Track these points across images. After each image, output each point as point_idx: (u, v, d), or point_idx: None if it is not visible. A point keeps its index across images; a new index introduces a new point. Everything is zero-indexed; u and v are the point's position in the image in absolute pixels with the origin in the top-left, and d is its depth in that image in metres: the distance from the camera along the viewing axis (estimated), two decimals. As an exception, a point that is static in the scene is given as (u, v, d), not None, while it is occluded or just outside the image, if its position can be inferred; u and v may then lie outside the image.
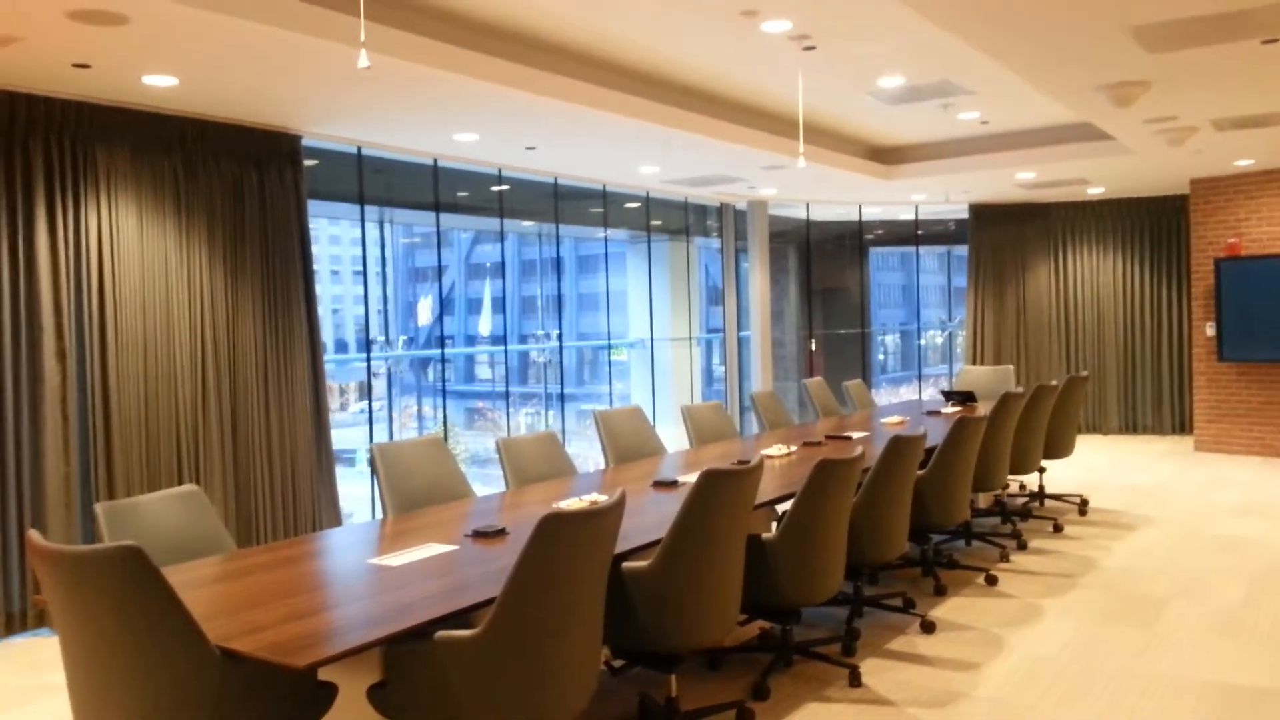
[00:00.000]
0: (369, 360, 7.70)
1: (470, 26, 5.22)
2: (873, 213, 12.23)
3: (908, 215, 12.29)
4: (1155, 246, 11.31)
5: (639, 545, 3.45)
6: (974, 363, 11.73)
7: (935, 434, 5.97)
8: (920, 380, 13.52)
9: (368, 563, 3.27)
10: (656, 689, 4.05)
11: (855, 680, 4.10)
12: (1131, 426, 11.46)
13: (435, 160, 7.66)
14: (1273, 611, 4.91)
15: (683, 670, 4.26)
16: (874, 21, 5.23)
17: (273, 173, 6.11)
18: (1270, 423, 9.71)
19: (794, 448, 5.68)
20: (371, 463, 4.32)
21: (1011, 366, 9.25)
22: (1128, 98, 5.96)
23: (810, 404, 7.67)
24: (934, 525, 5.12)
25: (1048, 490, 8.14)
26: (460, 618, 2.71)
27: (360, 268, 8.04)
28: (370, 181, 7.24)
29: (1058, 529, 6.78)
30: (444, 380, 9.09)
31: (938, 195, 10.74)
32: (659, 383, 10.86)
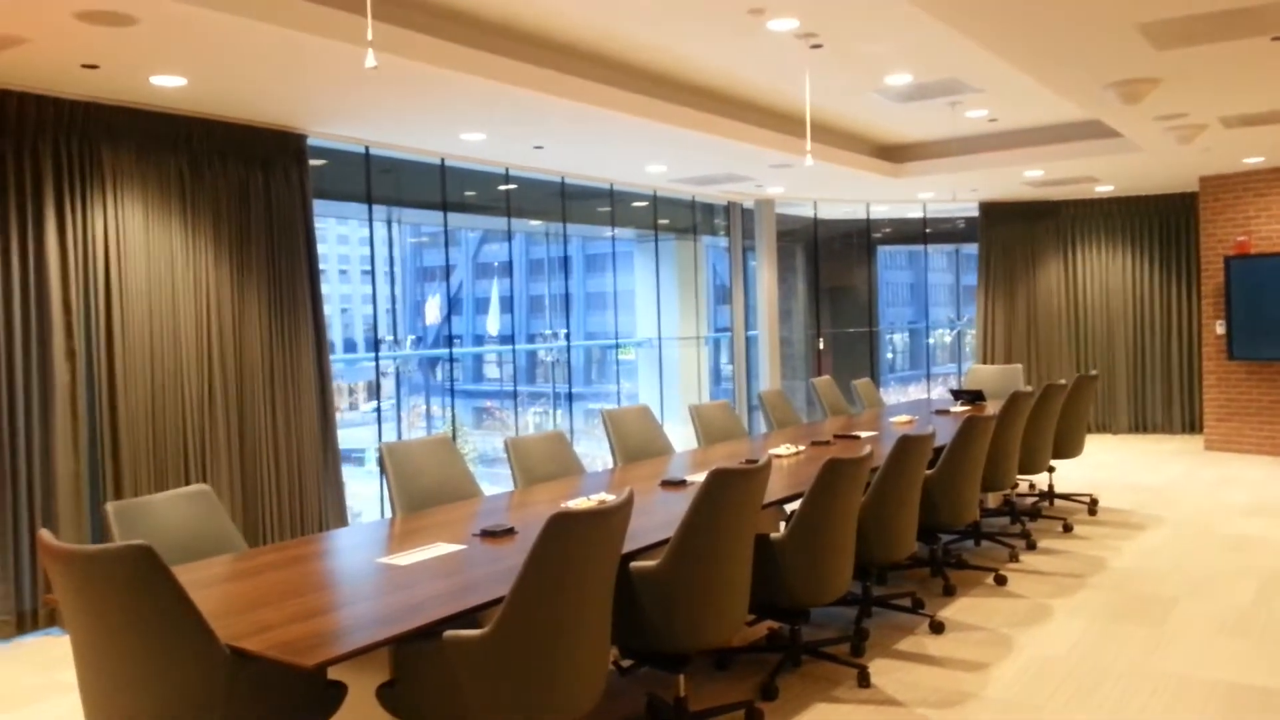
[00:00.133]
0: (377, 360, 7.71)
1: (477, 26, 5.23)
2: (880, 211, 12.21)
3: (916, 213, 12.26)
4: (1164, 244, 11.27)
5: (647, 545, 3.45)
6: (984, 361, 11.71)
7: (944, 433, 5.96)
8: (929, 379, 13.50)
9: (376, 562, 3.27)
10: (665, 689, 4.05)
11: (864, 680, 4.09)
12: (1141, 425, 11.42)
13: (443, 160, 7.67)
14: (1283, 611, 4.89)
15: (691, 670, 4.26)
16: (881, 19, 5.22)
17: (278, 172, 6.12)
18: (1281, 421, 9.67)
19: (802, 447, 5.67)
20: (380, 462, 4.32)
21: (1020, 365, 9.23)
22: (1136, 95, 5.94)
23: (818, 403, 7.67)
24: (943, 525, 5.11)
25: (1057, 490, 8.12)
26: (469, 617, 2.71)
27: (369, 267, 8.05)
28: (378, 181, 7.25)
29: (1067, 529, 6.76)
30: (452, 380, 9.10)
31: (945, 193, 10.71)
32: (667, 382, 10.86)
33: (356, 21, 4.46)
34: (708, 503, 3.25)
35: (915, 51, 5.90)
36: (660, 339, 10.79)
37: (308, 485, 6.23)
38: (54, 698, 4.28)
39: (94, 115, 5.25)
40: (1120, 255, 11.46)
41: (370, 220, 7.32)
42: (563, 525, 2.61)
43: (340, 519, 6.47)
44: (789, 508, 4.51)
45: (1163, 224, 11.28)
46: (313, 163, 6.83)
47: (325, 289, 6.59)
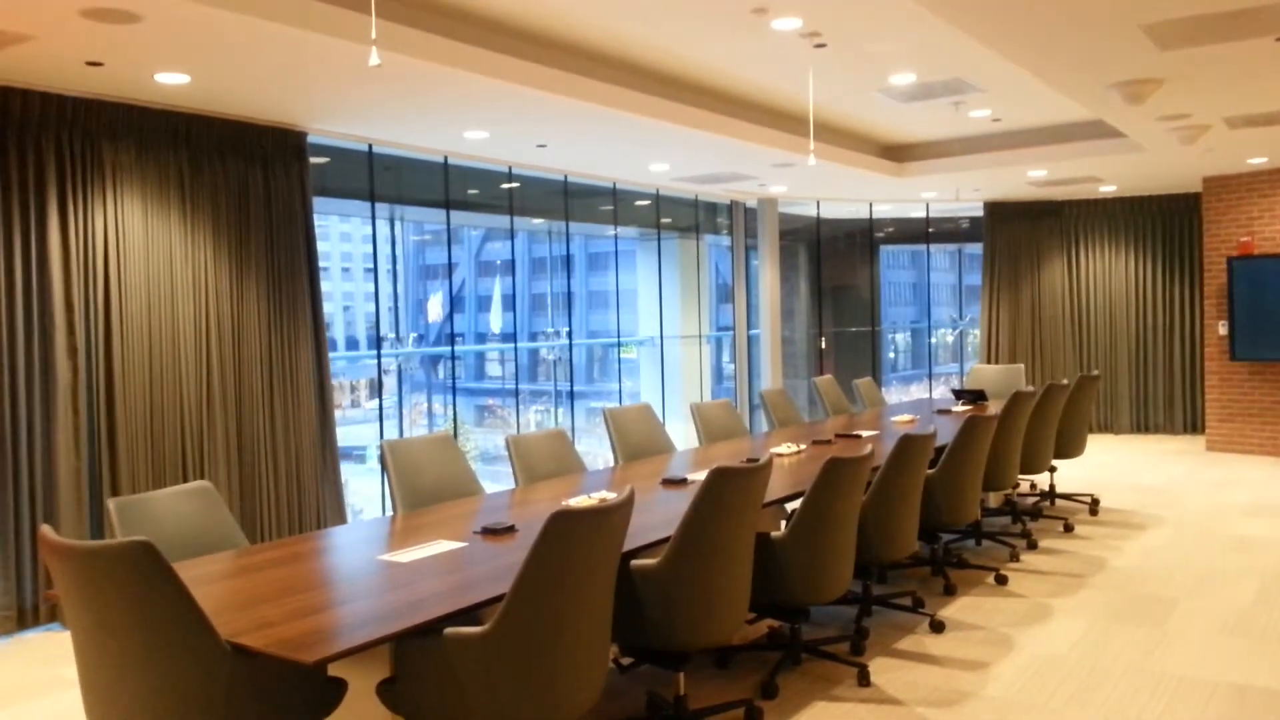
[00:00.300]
0: (379, 357, 7.72)
1: (481, 24, 5.23)
2: (883, 210, 12.21)
3: (918, 213, 12.26)
4: (1167, 245, 11.26)
5: (648, 543, 3.45)
6: (988, 361, 11.71)
7: (945, 433, 5.96)
8: (931, 378, 13.50)
9: (377, 559, 3.28)
10: (665, 687, 4.05)
11: (864, 679, 4.09)
12: (1143, 426, 11.41)
13: (446, 158, 7.67)
14: (1284, 612, 4.89)
15: (691, 668, 4.26)
16: (885, 19, 5.22)
17: (278, 169, 6.12)
18: (1283, 422, 9.66)
19: (803, 446, 5.68)
20: (382, 459, 4.33)
21: (1022, 365, 9.22)
22: (1140, 95, 5.93)
23: (820, 402, 7.67)
24: (944, 524, 5.11)
25: (1058, 490, 8.12)
26: (469, 614, 2.72)
27: (371, 265, 8.06)
28: (381, 179, 7.26)
29: (1068, 529, 6.76)
30: (454, 377, 9.11)
31: (948, 193, 10.71)
32: (668, 380, 10.86)
33: (361, 20, 4.47)
34: (708, 501, 3.26)
35: (919, 51, 5.89)
36: (662, 338, 10.79)
37: (306, 483, 6.24)
38: (55, 693, 4.29)
39: (95, 112, 5.26)
40: (1123, 255, 11.45)
41: (373, 218, 7.33)
42: (563, 523, 2.61)
43: (339, 516, 6.48)
44: (790, 506, 4.52)
45: (1166, 224, 11.27)
46: (316, 160, 6.84)
47: (328, 286, 6.60)
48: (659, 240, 10.54)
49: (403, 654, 2.73)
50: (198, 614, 2.40)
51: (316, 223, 6.48)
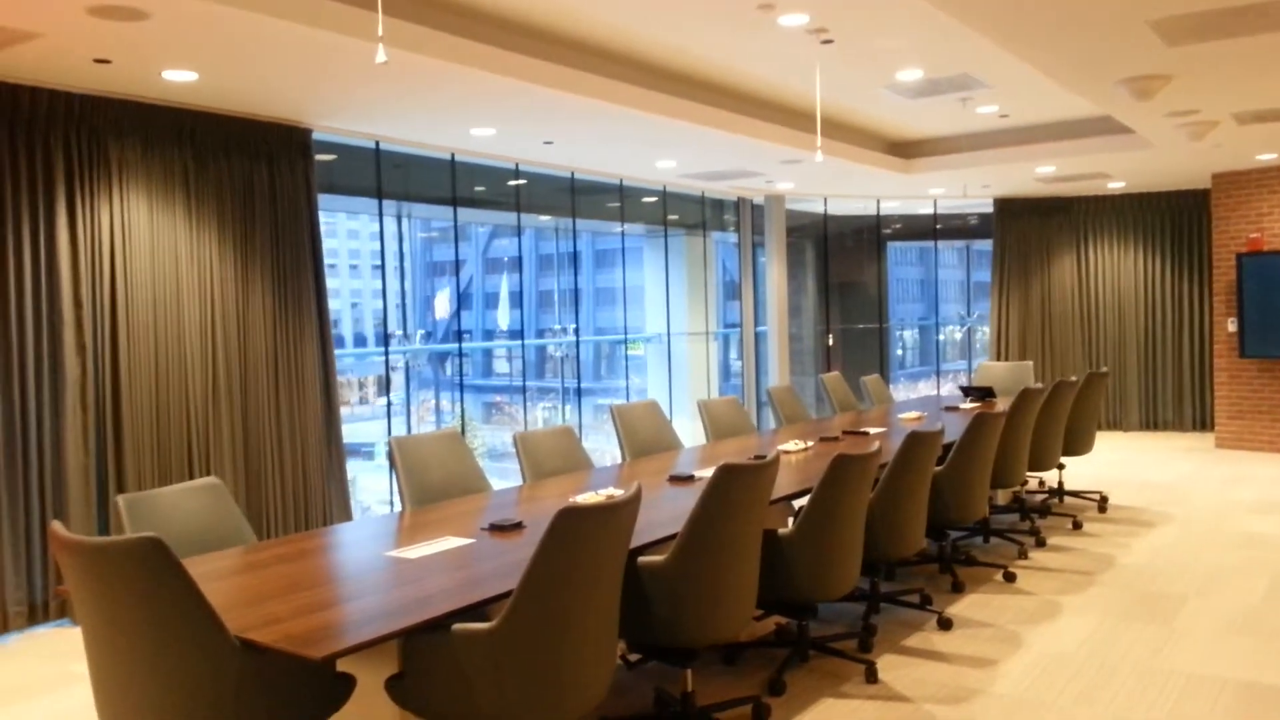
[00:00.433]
0: (387, 354, 7.73)
1: (488, 21, 5.23)
2: (891, 207, 12.18)
3: (926, 209, 12.23)
4: (1176, 241, 11.22)
5: (655, 540, 3.46)
6: (998, 358, 11.69)
7: (953, 430, 5.95)
8: (939, 376, 13.48)
9: (385, 555, 3.28)
10: (672, 683, 4.06)
11: (872, 676, 4.09)
12: (1152, 423, 11.38)
13: (453, 155, 7.68)
14: (1294, 609, 4.88)
15: (698, 665, 4.27)
16: (892, 15, 5.21)
17: (283, 166, 6.13)
18: (1292, 419, 9.63)
19: (811, 443, 5.67)
20: (390, 456, 4.34)
21: (1030, 362, 9.20)
22: (1148, 91, 5.91)
23: (827, 399, 7.66)
24: (952, 522, 5.11)
25: (1067, 487, 8.10)
26: (477, 610, 2.72)
27: (379, 262, 8.08)
28: (388, 176, 7.27)
29: (1077, 526, 6.75)
30: (461, 374, 9.12)
31: (956, 189, 10.69)
32: (676, 377, 10.86)
33: (368, 17, 4.47)
34: (716, 498, 3.26)
35: (926, 47, 5.88)
36: (669, 334, 10.79)
37: (312, 479, 6.25)
38: (66, 688, 4.31)
39: (101, 109, 5.27)
40: (1132, 252, 11.42)
41: (380, 215, 7.34)
42: (571, 520, 2.62)
43: (344, 513, 6.49)
44: (797, 503, 4.52)
45: (1175, 221, 11.23)
46: (323, 157, 6.85)
47: (336, 284, 6.62)
48: (666, 237, 10.54)
49: (411, 650, 2.73)
50: (207, 609, 2.41)
51: (324, 220, 6.49)
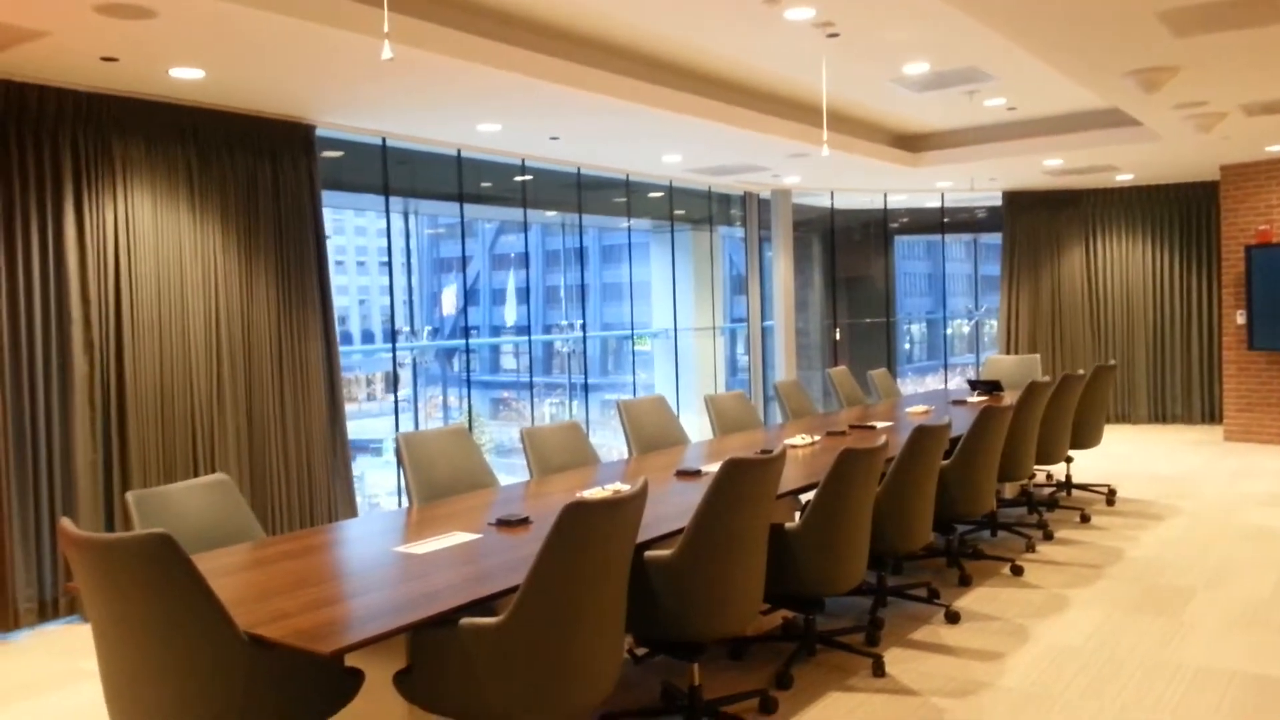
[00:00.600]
0: (394, 350, 7.75)
1: (493, 17, 5.23)
2: (898, 200, 12.16)
3: (933, 203, 12.21)
4: (1185, 233, 11.18)
5: (662, 534, 3.46)
6: (1008, 351, 11.67)
7: (960, 423, 5.94)
8: (946, 369, 13.45)
9: (393, 551, 3.29)
10: (679, 678, 4.06)
11: (879, 670, 4.10)
12: (1161, 416, 11.35)
13: (459, 151, 7.69)
14: (1303, 602, 4.86)
15: (705, 659, 4.27)
16: (898, 8, 5.19)
17: (286, 163, 6.14)
18: (1302, 412, 9.60)
19: (818, 437, 5.67)
20: (397, 452, 4.35)
21: (1038, 356, 9.18)
22: (1156, 83, 5.89)
23: (835, 393, 7.66)
24: (959, 515, 5.10)
25: (1075, 480, 8.09)
26: (484, 605, 2.73)
27: (386, 259, 8.09)
28: (395, 172, 7.28)
29: (1085, 519, 6.74)
30: (468, 370, 9.13)
31: (963, 183, 10.66)
32: (683, 372, 10.87)
33: (375, 13, 4.48)
34: (722, 492, 3.26)
35: (933, 40, 5.86)
36: (676, 329, 10.79)
37: (317, 476, 6.26)
38: (76, 685, 4.34)
39: (106, 107, 5.29)
40: (1141, 245, 11.38)
41: (387, 211, 7.35)
42: (577, 514, 2.62)
43: (350, 509, 6.50)
44: (804, 498, 4.52)
45: (1183, 213, 11.19)
46: (330, 154, 6.86)
47: (344, 280, 6.64)
48: (672, 232, 10.54)
49: (419, 644, 2.74)
50: (216, 605, 2.42)
51: (332, 217, 6.51)
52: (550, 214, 9.81)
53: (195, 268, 5.71)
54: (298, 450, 6.18)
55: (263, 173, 6.03)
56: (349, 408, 6.60)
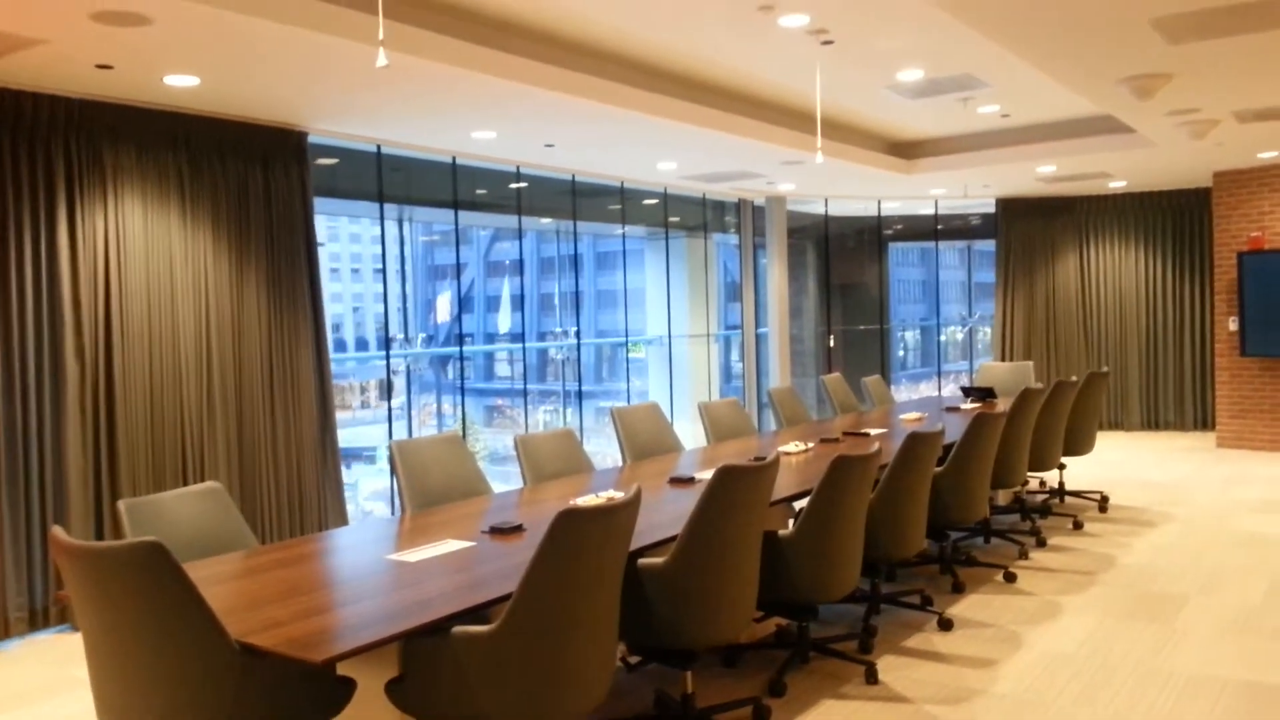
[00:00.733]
0: (388, 358, 7.74)
1: (488, 24, 5.24)
2: (892, 208, 12.19)
3: (927, 210, 12.23)
4: (1178, 240, 11.22)
5: (655, 541, 3.46)
6: (1003, 358, 11.69)
7: (954, 430, 5.95)
8: (940, 376, 13.47)
9: (386, 558, 3.29)
10: (672, 685, 4.06)
11: (872, 677, 4.09)
12: (1153, 423, 11.37)
13: (454, 158, 7.69)
14: (1295, 609, 4.87)
15: (699, 667, 4.27)
16: (892, 15, 5.21)
17: (278, 170, 6.13)
18: (1294, 418, 9.62)
19: (811, 444, 5.68)
20: (391, 460, 4.35)
21: (1031, 363, 9.20)
22: (1149, 90, 5.91)
23: (828, 400, 7.66)
24: (952, 522, 5.11)
25: (1068, 487, 8.10)
26: (477, 613, 2.73)
27: (380, 266, 8.08)
28: (389, 180, 7.28)
29: (1078, 526, 6.75)
30: (463, 378, 9.13)
31: (957, 189, 10.69)
32: (677, 379, 10.87)
33: (370, 21, 4.48)
34: (715, 500, 3.26)
35: (927, 47, 5.88)
36: (670, 337, 10.80)
37: (307, 484, 6.24)
38: (67, 694, 4.32)
39: (97, 114, 5.28)
40: (1133, 251, 11.42)
41: (382, 219, 7.35)
42: (570, 522, 2.62)
43: (340, 518, 6.48)
44: (798, 505, 4.52)
45: (1176, 220, 11.23)
46: (325, 161, 6.86)
47: (338, 287, 6.63)
48: (667, 239, 10.55)
49: (411, 653, 2.74)
50: (207, 614, 2.41)
51: (326, 224, 6.50)
52: (545, 221, 9.82)
53: (185, 275, 5.70)
54: (288, 458, 6.16)
55: (254, 180, 6.02)
56: (343, 415, 6.59)
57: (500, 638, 2.61)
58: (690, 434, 8.09)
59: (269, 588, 2.95)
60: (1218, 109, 6.90)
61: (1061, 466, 7.21)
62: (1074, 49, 5.17)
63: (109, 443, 5.34)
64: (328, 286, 6.57)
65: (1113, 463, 9.33)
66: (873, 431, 6.21)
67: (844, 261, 12.68)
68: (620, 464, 5.42)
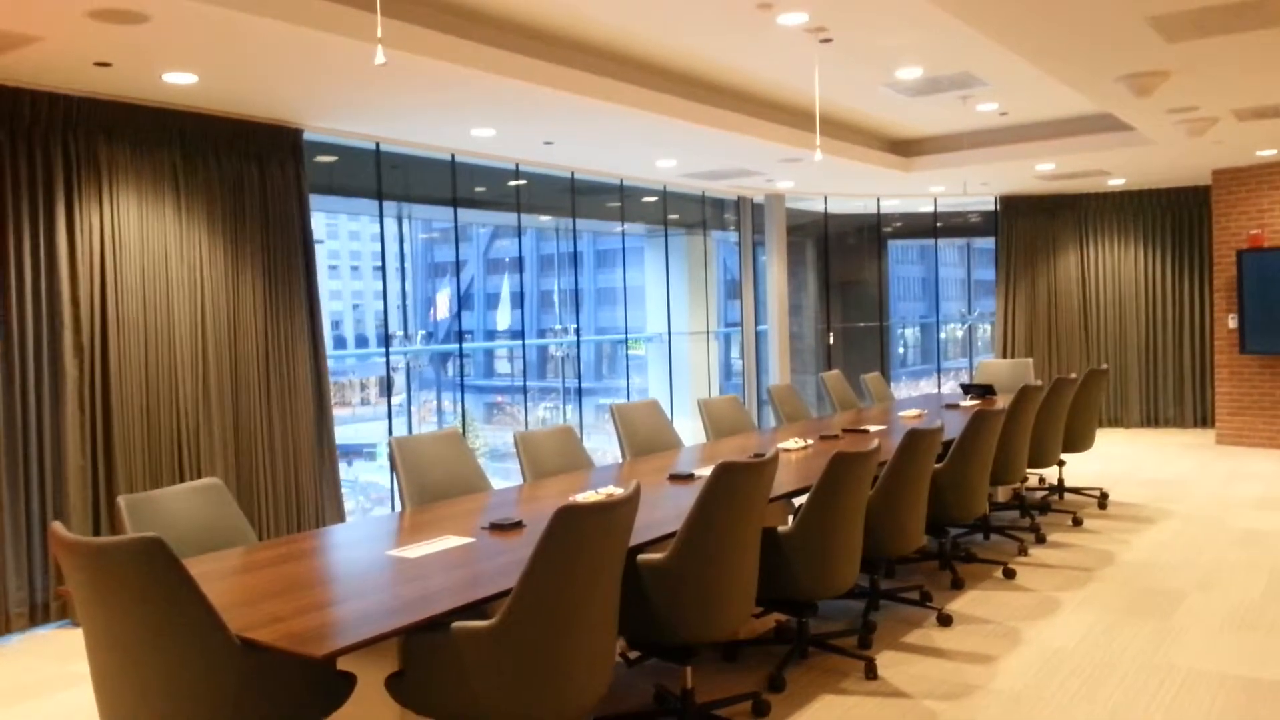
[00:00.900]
0: (388, 355, 7.74)
1: (486, 22, 5.24)
2: (891, 205, 12.19)
3: (926, 207, 12.24)
4: (1177, 238, 11.23)
5: (655, 538, 3.47)
6: (1004, 355, 11.71)
7: (953, 427, 5.96)
8: (939, 373, 13.48)
9: (386, 554, 3.30)
10: (672, 681, 4.07)
11: (871, 673, 4.10)
12: (1153, 419, 11.38)
13: (453, 155, 7.69)
14: (1294, 605, 4.88)
15: (698, 662, 4.28)
16: (891, 13, 5.21)
17: (274, 167, 6.13)
18: (1293, 415, 9.63)
19: (810, 441, 5.68)
20: (391, 456, 4.35)
21: (1030, 360, 9.21)
22: (1147, 88, 5.92)
23: (828, 397, 7.67)
24: (952, 519, 5.12)
25: (1067, 484, 8.11)
26: (477, 609, 2.74)
27: (380, 263, 8.09)
28: (389, 177, 7.28)
29: (1077, 522, 6.75)
30: (462, 375, 9.13)
31: (956, 187, 10.69)
32: (676, 377, 10.87)
33: (368, 18, 4.49)
34: (715, 496, 3.27)
35: (926, 45, 5.89)
36: (670, 334, 10.80)
37: (304, 481, 6.24)
38: (67, 689, 4.33)
39: (94, 111, 5.28)
40: (1133, 249, 11.42)
41: (381, 216, 7.35)
42: (570, 518, 2.63)
43: (337, 515, 6.48)
44: (797, 501, 4.53)
45: (1175, 217, 11.23)
46: (324, 159, 6.86)
47: (338, 285, 6.63)
48: (666, 237, 10.55)
49: (411, 648, 2.75)
50: (208, 609, 2.42)
51: (326, 221, 6.51)
52: (544, 219, 9.82)
53: (181, 271, 5.70)
54: (284, 455, 6.16)
55: (249, 176, 6.02)
56: (343, 412, 6.59)
57: (500, 633, 2.61)
58: (690, 431, 8.10)
59: (269, 583, 2.96)
60: (1216, 107, 6.91)
61: (1061, 463, 7.22)
62: (1072, 47, 5.17)
63: (105, 439, 5.35)
64: (327, 284, 6.58)
65: (1112, 459, 9.34)
66: (872, 428, 6.22)
67: (843, 259, 12.68)
68: (620, 460, 5.43)
